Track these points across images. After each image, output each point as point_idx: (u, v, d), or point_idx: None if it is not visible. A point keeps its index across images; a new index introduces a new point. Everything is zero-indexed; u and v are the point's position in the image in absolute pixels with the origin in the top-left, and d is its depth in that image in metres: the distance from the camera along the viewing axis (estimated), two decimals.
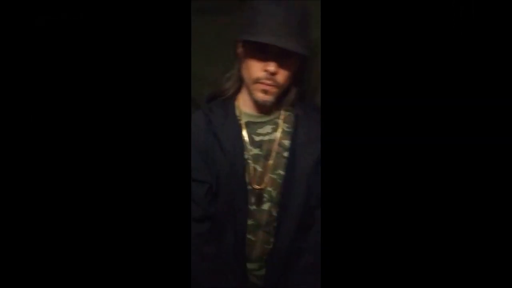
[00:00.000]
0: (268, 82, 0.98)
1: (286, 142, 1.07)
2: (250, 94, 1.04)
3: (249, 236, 1.06)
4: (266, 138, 1.08)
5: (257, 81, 1.00)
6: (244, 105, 1.09)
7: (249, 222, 1.06)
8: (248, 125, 1.08)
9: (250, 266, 1.09)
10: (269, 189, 1.06)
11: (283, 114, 1.10)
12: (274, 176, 1.06)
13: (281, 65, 0.98)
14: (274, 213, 1.06)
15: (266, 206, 1.06)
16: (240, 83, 1.08)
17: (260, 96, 1.01)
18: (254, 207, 1.06)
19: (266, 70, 0.97)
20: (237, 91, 1.10)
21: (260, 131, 1.08)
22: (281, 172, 1.06)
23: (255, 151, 1.06)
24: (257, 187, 1.05)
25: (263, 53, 0.97)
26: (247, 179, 1.05)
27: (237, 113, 1.08)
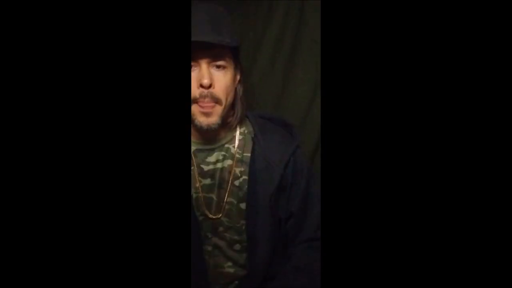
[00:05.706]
0: (207, 100, 0.90)
1: (238, 170, 1.01)
2: (193, 120, 0.93)
3: (206, 256, 1.04)
4: (218, 166, 1.00)
5: (195, 101, 0.91)
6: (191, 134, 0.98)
7: (208, 248, 1.04)
8: (196, 154, 0.99)
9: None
10: (225, 219, 1.02)
11: (235, 137, 1.01)
12: (229, 207, 1.02)
13: (214, 76, 0.91)
14: (236, 245, 1.04)
15: (227, 235, 1.03)
16: None
17: (203, 120, 0.92)
18: (210, 235, 1.03)
19: (201, 85, 0.90)
20: None
21: (209, 159, 1.00)
22: (234, 201, 1.02)
23: (206, 181, 1.00)
24: (213, 216, 1.02)
25: (195, 65, 0.90)
26: (199, 210, 1.01)
27: None
